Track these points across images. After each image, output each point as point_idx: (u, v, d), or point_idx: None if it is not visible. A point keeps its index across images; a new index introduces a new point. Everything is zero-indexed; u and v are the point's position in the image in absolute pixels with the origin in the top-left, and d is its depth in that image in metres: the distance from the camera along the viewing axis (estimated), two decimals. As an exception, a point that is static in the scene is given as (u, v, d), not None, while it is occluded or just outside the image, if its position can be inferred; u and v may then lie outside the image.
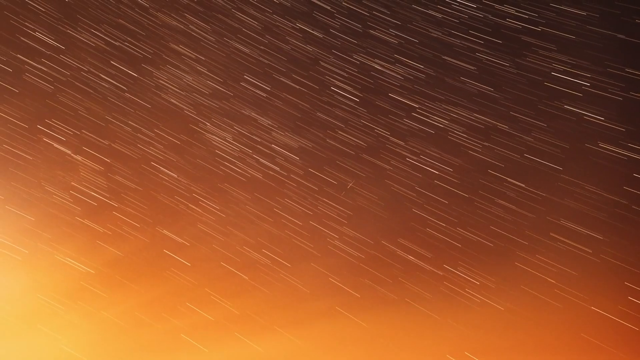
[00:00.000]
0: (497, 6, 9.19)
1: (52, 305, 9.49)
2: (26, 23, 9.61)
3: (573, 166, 8.83)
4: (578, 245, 8.78)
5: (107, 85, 9.66)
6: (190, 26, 9.66)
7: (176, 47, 9.66)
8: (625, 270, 8.62)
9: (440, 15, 9.28)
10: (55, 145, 9.59)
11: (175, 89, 9.67)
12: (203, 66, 9.67)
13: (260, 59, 9.61)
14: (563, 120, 8.84)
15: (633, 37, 8.70)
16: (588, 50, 8.79)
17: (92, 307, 9.50)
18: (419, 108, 9.32)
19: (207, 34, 9.68)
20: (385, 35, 9.40)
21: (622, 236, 8.64)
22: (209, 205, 9.62)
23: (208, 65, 9.68)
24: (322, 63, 9.56)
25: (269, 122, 9.60)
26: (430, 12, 9.31)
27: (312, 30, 9.50)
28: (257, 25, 9.42)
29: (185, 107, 9.66)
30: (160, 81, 9.67)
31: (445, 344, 9.12)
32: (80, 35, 9.63)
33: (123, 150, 9.64)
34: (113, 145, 9.63)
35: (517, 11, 9.10)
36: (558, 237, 8.87)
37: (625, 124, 8.67)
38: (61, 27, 9.62)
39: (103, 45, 9.66)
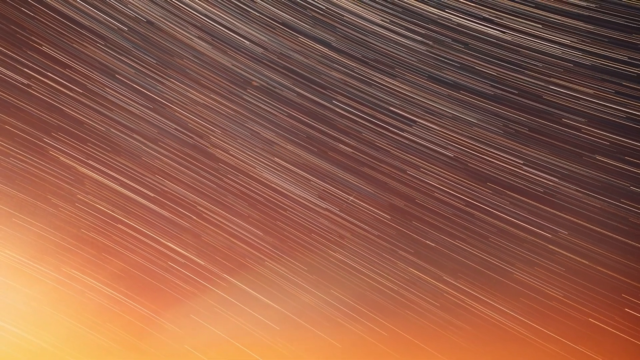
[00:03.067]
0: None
1: (56, 316, 9.56)
2: (33, 37, 9.67)
3: (571, 179, 8.90)
4: (576, 258, 8.81)
5: (112, 99, 9.72)
6: (194, 39, 9.71)
7: (180, 60, 9.72)
8: (623, 283, 8.67)
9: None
10: (62, 158, 9.68)
11: (180, 102, 9.73)
12: (207, 79, 9.72)
13: (267, 72, 9.67)
14: (562, 134, 8.90)
15: None
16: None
17: (97, 319, 9.59)
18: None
19: (211, 46, 9.74)
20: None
21: (620, 249, 8.67)
22: (213, 218, 9.68)
23: (212, 79, 9.73)
24: (324, 77, 9.63)
25: (272, 136, 9.66)
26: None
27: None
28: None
29: (189, 121, 9.72)
30: (165, 94, 9.73)
31: (444, 355, 9.17)
32: (87, 50, 9.70)
33: (128, 163, 9.70)
34: (118, 158, 9.70)
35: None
36: (557, 250, 8.92)
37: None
38: (67, 41, 9.69)
39: (109, 59, 9.72)
